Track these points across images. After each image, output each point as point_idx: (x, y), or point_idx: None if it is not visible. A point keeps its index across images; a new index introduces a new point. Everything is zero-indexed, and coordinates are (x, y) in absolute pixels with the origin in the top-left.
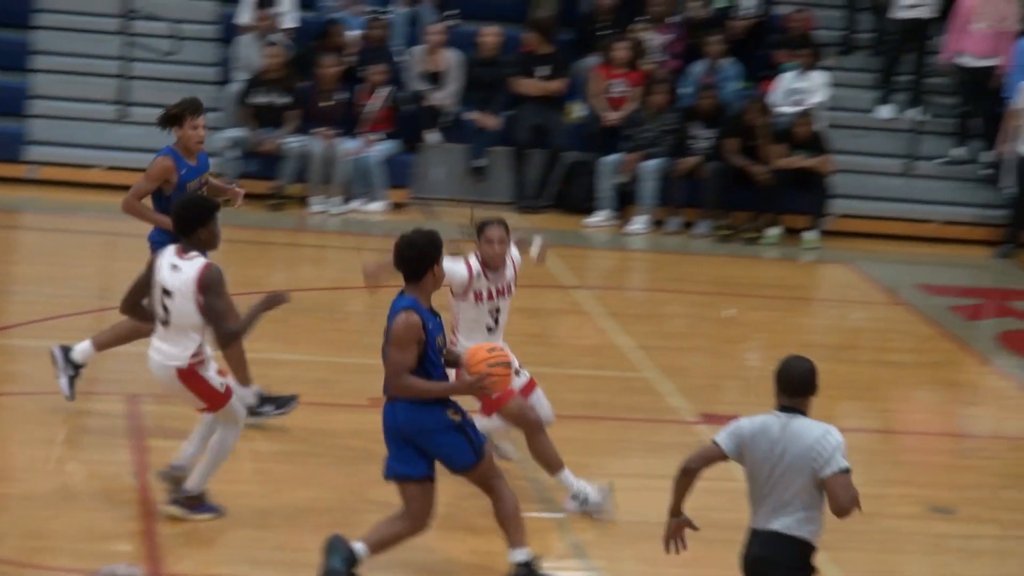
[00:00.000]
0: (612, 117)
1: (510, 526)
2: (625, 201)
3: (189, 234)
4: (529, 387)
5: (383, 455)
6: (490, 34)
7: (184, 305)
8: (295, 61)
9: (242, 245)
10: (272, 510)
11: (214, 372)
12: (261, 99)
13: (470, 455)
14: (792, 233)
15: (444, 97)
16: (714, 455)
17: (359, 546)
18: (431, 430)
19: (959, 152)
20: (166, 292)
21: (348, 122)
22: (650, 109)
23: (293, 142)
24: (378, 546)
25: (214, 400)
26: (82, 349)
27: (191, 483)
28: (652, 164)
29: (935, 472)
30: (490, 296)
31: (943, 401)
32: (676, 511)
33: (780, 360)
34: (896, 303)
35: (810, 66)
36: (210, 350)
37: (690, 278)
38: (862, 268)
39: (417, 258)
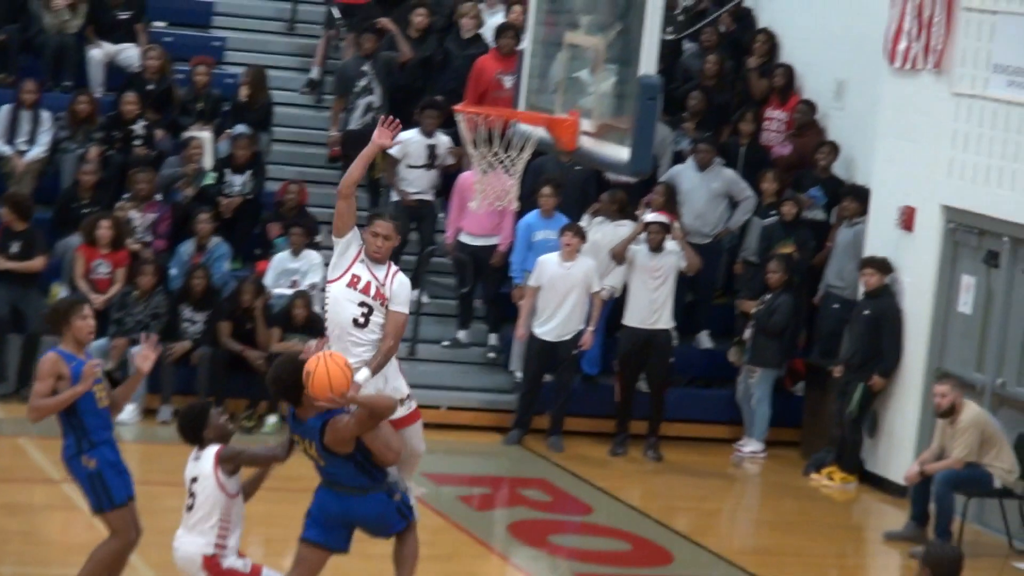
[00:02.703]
0: (97, 300)
1: (407, 566)
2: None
3: (199, 441)
4: (410, 418)
5: None
6: None
7: (208, 487)
8: None
9: None
10: None
11: (236, 559)
12: None
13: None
14: None
15: None
16: None
17: None
18: (381, 514)
19: (463, 335)
20: (193, 480)
21: None
22: (137, 291)
23: None
24: None
25: None
26: None
27: None
28: (140, 349)
29: None
30: (366, 289)
31: None
32: None
33: (928, 547)
34: None
35: (303, 245)
36: (233, 541)
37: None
38: None
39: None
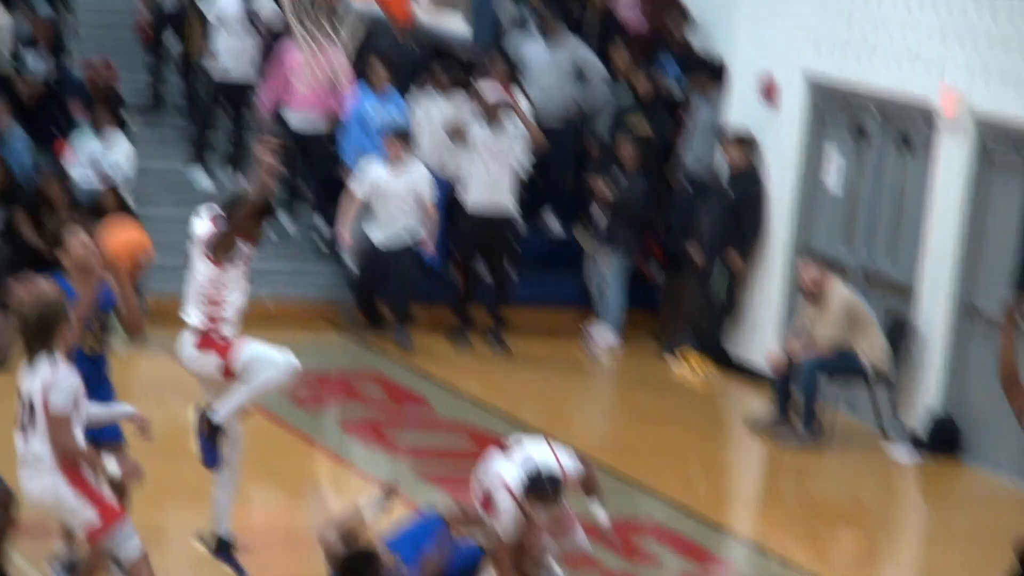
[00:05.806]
0: None
1: None
2: None
3: None
4: None
5: None
6: None
7: None
8: None
9: None
10: None
11: None
12: None
13: None
14: None
15: None
16: None
17: None
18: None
19: (288, 223)
20: None
21: None
22: None
23: None
24: None
25: None
26: None
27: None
28: None
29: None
30: None
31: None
32: None
33: None
34: None
35: (111, 126)
36: None
37: None
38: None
39: None
